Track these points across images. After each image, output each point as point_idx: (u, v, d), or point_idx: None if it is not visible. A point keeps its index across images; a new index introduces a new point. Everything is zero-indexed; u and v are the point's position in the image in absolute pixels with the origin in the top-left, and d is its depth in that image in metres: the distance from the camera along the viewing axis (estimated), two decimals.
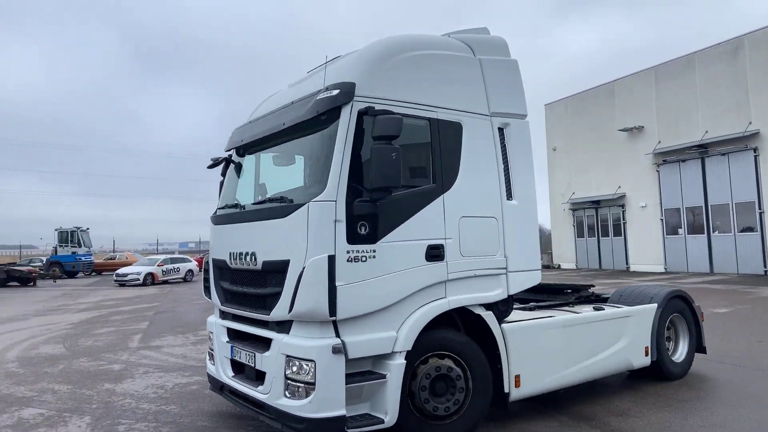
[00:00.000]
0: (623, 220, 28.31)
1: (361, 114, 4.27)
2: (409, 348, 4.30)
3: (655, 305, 6.33)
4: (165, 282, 27.95)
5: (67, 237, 35.19)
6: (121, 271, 27.96)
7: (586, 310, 6.16)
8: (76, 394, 6.44)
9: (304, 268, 4.03)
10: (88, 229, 36.21)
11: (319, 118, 4.37)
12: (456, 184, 4.75)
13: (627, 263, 27.81)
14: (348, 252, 4.12)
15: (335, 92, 4.31)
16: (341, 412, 3.96)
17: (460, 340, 4.71)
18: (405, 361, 4.24)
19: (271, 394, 4.26)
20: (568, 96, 32.56)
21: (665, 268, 25.58)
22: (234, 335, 4.99)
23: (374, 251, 4.23)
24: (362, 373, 4.20)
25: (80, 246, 35.26)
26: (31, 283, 28.01)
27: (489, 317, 4.83)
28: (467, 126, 4.92)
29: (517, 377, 4.90)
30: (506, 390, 4.82)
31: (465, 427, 4.56)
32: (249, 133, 5.31)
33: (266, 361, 4.36)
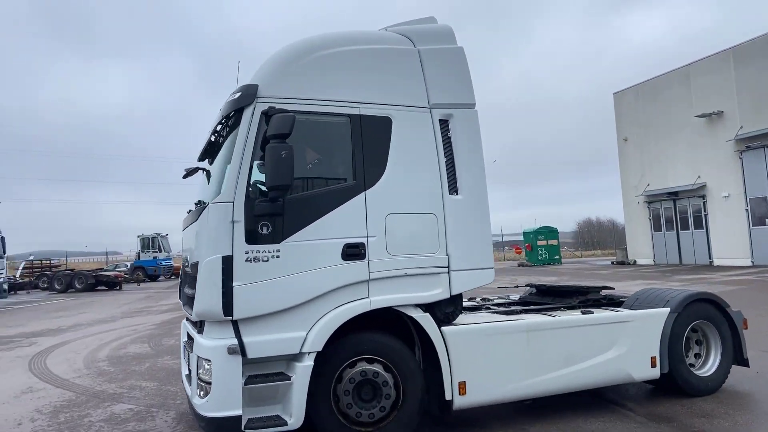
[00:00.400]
0: (704, 211, 26.72)
1: (265, 114, 4.26)
2: (319, 349, 4.18)
3: (668, 310, 5.50)
4: None
5: (149, 243, 37.42)
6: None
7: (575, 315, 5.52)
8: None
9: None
10: (167, 234, 38.35)
11: (228, 122, 4.50)
12: (382, 181, 4.59)
13: (710, 257, 26.23)
14: (247, 252, 4.11)
15: (237, 95, 4.37)
16: (236, 412, 3.92)
17: (391, 344, 4.50)
18: (312, 363, 4.13)
19: (191, 393, 4.44)
20: (638, 83, 31.04)
21: (752, 262, 23.90)
22: (188, 337, 5.03)
23: (278, 251, 4.19)
24: (275, 374, 4.16)
25: (160, 251, 37.39)
26: (118, 287, 29.90)
27: (424, 319, 4.56)
28: (398, 120, 4.75)
29: (462, 384, 4.56)
30: (448, 397, 4.52)
31: None
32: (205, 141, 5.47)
33: (191, 362, 4.55)
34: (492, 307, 6.25)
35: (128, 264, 38.42)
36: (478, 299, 6.99)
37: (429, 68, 4.91)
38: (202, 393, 4.12)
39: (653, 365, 5.32)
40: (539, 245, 36.97)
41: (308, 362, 4.12)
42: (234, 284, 4.04)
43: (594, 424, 4.91)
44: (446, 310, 4.72)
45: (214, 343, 4.05)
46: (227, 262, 4.05)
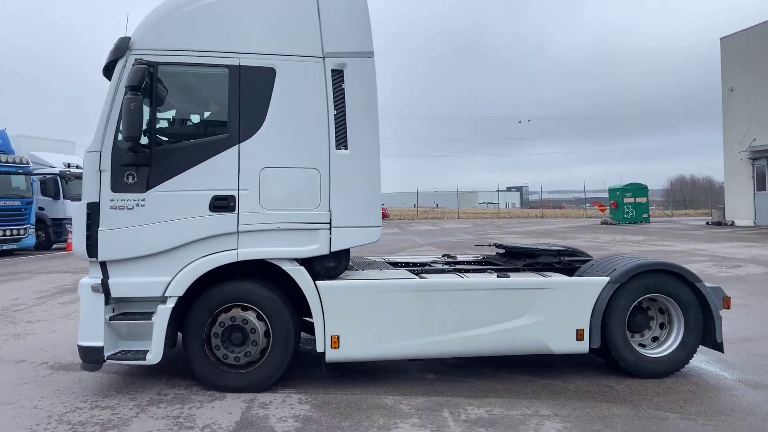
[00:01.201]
0: None
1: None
2: (180, 294, 4.39)
3: (606, 279, 4.91)
4: None
5: None
6: None
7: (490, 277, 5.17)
8: None
9: None
10: None
11: (108, 75, 4.62)
12: (259, 134, 4.54)
13: None
14: (112, 200, 4.37)
15: (112, 48, 4.49)
16: (98, 343, 4.31)
17: (263, 293, 4.58)
18: (172, 306, 4.36)
19: None
20: (750, 26, 27.76)
21: None
22: None
23: (143, 200, 4.39)
24: (139, 313, 4.47)
25: None
26: None
27: (295, 272, 4.57)
28: (283, 70, 4.61)
29: (335, 338, 4.56)
30: (320, 349, 4.57)
31: (259, 379, 4.57)
32: None
33: None
34: (432, 266, 6.05)
35: None
36: (437, 256, 6.74)
37: (326, 14, 4.71)
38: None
39: (579, 338, 4.83)
40: (626, 203, 34.95)
41: (169, 305, 4.38)
42: (99, 229, 4.36)
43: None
44: (327, 265, 4.71)
45: (84, 281, 4.45)
46: (93, 208, 4.37)
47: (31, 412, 4.15)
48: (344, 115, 4.67)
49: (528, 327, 4.77)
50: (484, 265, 6.20)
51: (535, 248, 5.94)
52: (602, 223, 34.86)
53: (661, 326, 5.15)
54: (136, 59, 4.39)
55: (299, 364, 5.23)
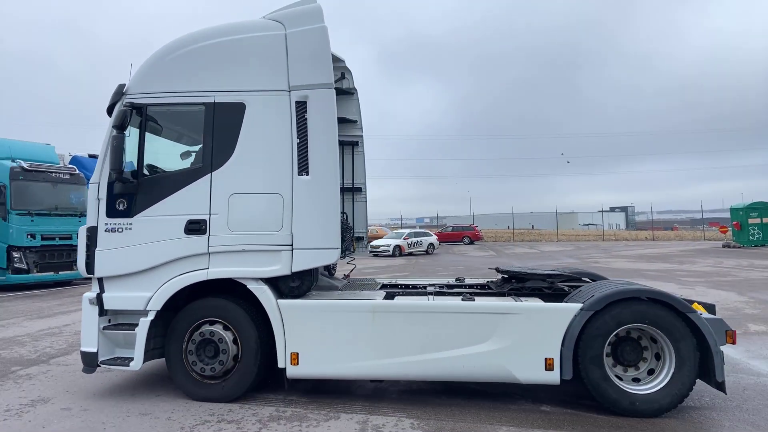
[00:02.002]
0: None
1: (131, 108, 5.01)
2: (158, 308, 4.91)
3: (578, 306, 4.54)
4: (410, 254, 30.15)
5: None
6: (375, 243, 31.09)
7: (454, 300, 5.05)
8: None
9: None
10: None
11: (111, 114, 5.15)
12: (229, 163, 4.97)
13: None
14: (107, 224, 5.02)
15: (113, 93, 5.15)
16: (93, 349, 4.94)
17: (228, 307, 4.97)
18: (151, 319, 4.89)
19: None
20: None
21: None
22: None
23: (131, 224, 5.00)
24: (127, 324, 5.04)
25: None
26: None
27: (259, 291, 4.91)
28: (252, 105, 5.03)
29: (295, 355, 4.77)
30: (281, 365, 4.82)
31: (230, 391, 4.92)
32: None
33: None
34: (429, 288, 6.07)
35: None
36: (448, 280, 6.61)
37: (293, 51, 5.05)
38: None
39: (549, 368, 4.52)
40: (751, 224, 31.71)
41: (149, 318, 4.91)
42: (96, 249, 5.02)
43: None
44: (291, 285, 5.00)
45: (86, 294, 5.07)
46: (92, 231, 5.06)
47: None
48: (306, 143, 4.97)
49: (491, 353, 4.60)
50: (483, 288, 6.02)
51: (532, 272, 5.64)
52: (724, 246, 31.86)
53: (657, 357, 4.64)
54: (125, 102, 5.03)
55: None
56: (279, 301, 4.88)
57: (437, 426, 4.33)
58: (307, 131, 4.98)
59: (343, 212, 6.75)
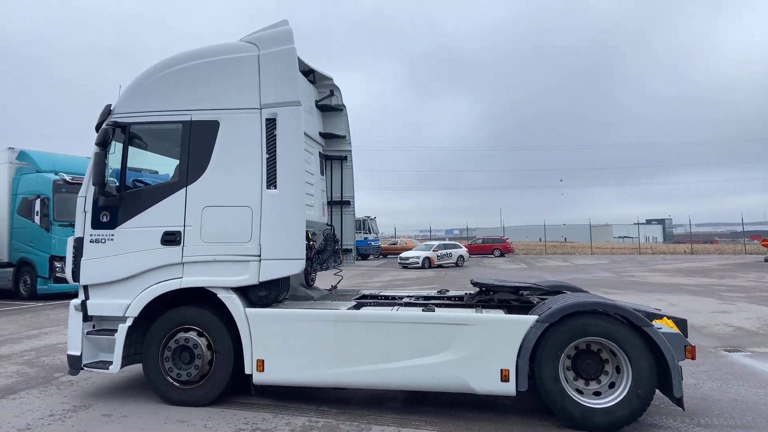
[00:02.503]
0: None
1: (115, 126, 5.37)
2: (135, 315, 5.18)
3: (534, 319, 4.59)
4: (440, 266, 29.99)
5: (360, 225, 40.69)
6: (404, 255, 31.09)
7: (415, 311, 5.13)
8: None
9: None
10: (375, 217, 41.25)
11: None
12: (203, 177, 5.25)
13: None
14: (91, 235, 5.36)
15: (100, 112, 5.49)
16: (76, 352, 5.28)
17: (201, 314, 5.22)
18: (129, 325, 5.18)
19: None
20: None
21: None
22: None
23: (112, 235, 5.31)
24: (108, 330, 5.31)
25: (370, 232, 40.43)
26: None
27: (228, 299, 5.13)
28: (226, 122, 5.30)
29: (260, 362, 4.98)
30: (248, 371, 5.02)
31: (204, 395, 5.14)
32: None
33: None
34: (405, 299, 6.10)
35: None
36: (430, 292, 6.64)
37: (265, 71, 5.31)
38: None
39: (504, 379, 4.56)
40: None
41: (126, 324, 5.19)
42: (82, 259, 5.35)
43: None
44: (260, 294, 5.19)
45: (72, 301, 5.41)
46: (78, 242, 5.40)
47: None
48: (275, 158, 5.20)
49: (448, 363, 4.67)
50: (461, 300, 6.00)
51: (502, 284, 5.64)
52: (766, 260, 30.65)
53: (618, 370, 4.58)
54: (109, 121, 5.36)
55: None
56: (246, 309, 5.09)
57: None
58: (276, 147, 5.22)
59: (330, 225, 7.06)
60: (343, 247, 7.29)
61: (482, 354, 4.65)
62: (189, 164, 5.31)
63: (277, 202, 5.15)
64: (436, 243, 33.63)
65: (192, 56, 5.50)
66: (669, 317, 5.04)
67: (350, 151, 7.22)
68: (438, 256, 30.43)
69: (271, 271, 5.13)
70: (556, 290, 5.59)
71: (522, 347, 4.56)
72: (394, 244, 44.66)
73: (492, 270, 26.95)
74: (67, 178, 15.04)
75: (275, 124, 5.25)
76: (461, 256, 31.62)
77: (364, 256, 39.00)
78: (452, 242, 36.43)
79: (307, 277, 6.50)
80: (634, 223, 61.56)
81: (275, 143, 5.23)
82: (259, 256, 5.12)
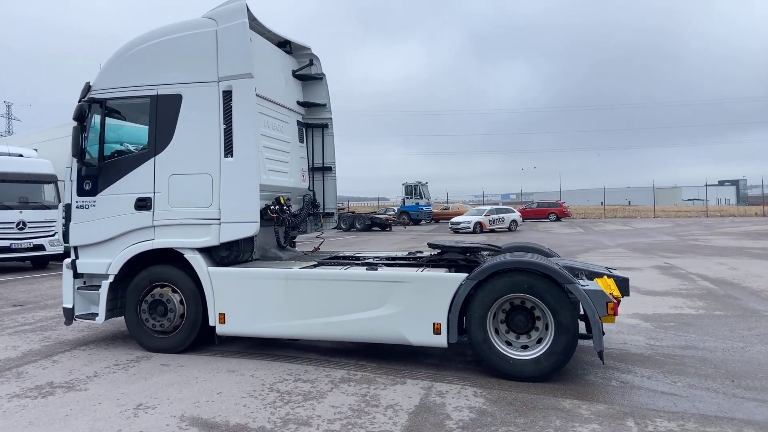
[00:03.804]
0: None
1: (92, 102, 5.97)
2: (116, 272, 5.83)
3: (463, 276, 4.89)
4: (492, 230, 29.80)
5: (412, 190, 40.73)
6: (455, 219, 31.06)
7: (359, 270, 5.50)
8: None
9: None
10: (426, 183, 41.14)
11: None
12: (169, 147, 5.75)
13: None
14: (77, 202, 6.02)
15: (81, 90, 6.02)
16: (69, 305, 6.06)
17: (173, 272, 5.79)
18: (110, 281, 5.83)
19: None
20: None
21: None
22: None
23: (94, 202, 5.95)
24: (95, 285, 6.00)
25: (422, 198, 40.43)
26: (388, 228, 33.68)
27: (193, 259, 5.66)
28: (188, 96, 5.75)
29: (222, 315, 5.53)
30: (211, 323, 5.58)
31: (176, 343, 5.76)
32: None
33: None
34: (370, 260, 6.33)
35: (395, 209, 42.61)
36: (396, 254, 6.82)
37: (222, 45, 5.64)
38: None
39: (437, 332, 4.92)
40: None
41: (109, 280, 5.85)
42: (71, 223, 6.04)
43: None
44: (222, 254, 5.72)
45: (65, 260, 6.13)
46: (67, 208, 6.09)
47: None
48: (231, 128, 5.59)
49: (386, 317, 5.06)
50: (418, 260, 6.15)
51: (455, 245, 5.68)
52: None
53: (547, 327, 4.76)
54: (87, 98, 5.94)
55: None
56: (209, 268, 5.63)
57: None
58: (231, 118, 5.61)
59: (311, 190, 7.59)
60: (325, 212, 7.76)
61: (416, 309, 5.01)
62: (156, 135, 5.83)
63: (233, 169, 5.59)
64: (488, 207, 33.29)
65: (160, 33, 5.97)
66: (612, 276, 5.29)
67: (330, 118, 7.58)
68: (490, 221, 30.20)
69: (229, 233, 5.62)
70: (514, 251, 5.79)
71: (453, 303, 4.88)
72: (446, 209, 44.52)
73: (545, 234, 26.49)
74: None
75: (231, 96, 5.62)
76: (514, 221, 31.22)
77: (415, 221, 39.17)
78: (505, 207, 35.96)
79: (279, 238, 6.86)
80: (704, 185, 58.16)
81: (231, 114, 5.62)
82: (219, 219, 5.62)
